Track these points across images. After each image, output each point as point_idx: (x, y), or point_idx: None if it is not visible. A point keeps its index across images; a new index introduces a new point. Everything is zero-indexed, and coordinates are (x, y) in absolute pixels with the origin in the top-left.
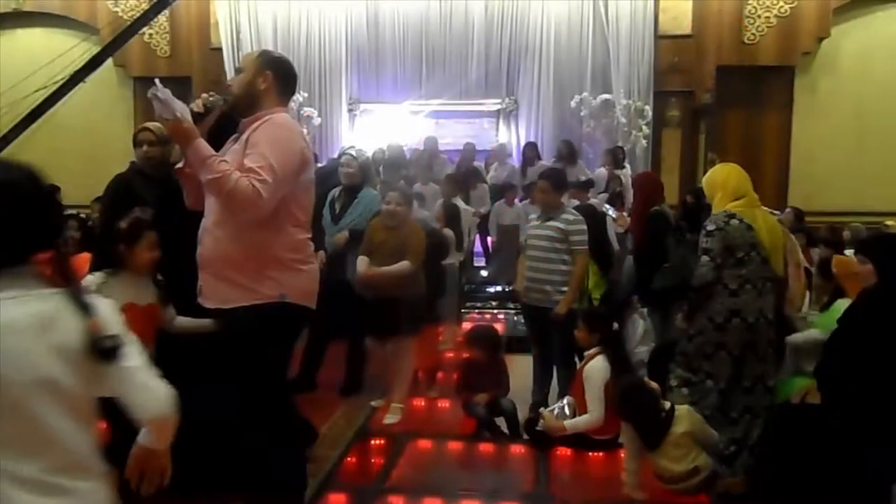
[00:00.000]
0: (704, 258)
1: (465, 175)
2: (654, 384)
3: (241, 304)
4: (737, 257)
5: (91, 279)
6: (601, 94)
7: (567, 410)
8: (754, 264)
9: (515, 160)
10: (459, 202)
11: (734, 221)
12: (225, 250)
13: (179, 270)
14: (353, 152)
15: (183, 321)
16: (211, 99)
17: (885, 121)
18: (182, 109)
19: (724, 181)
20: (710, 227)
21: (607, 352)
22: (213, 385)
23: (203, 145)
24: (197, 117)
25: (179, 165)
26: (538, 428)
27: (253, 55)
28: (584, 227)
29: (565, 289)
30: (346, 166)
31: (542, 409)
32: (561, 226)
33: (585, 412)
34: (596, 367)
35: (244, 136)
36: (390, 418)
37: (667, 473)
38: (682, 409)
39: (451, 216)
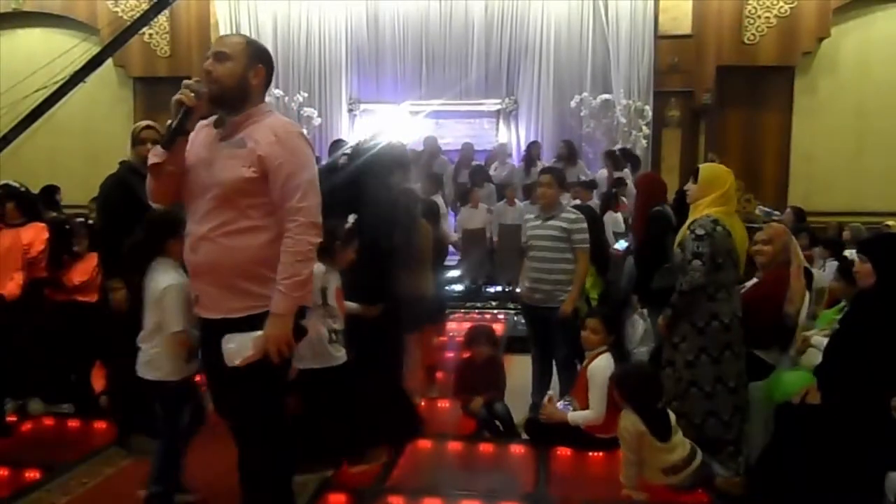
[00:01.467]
0: (696, 262)
1: (473, 174)
2: None
3: (251, 312)
4: (716, 262)
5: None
6: (601, 95)
7: (570, 408)
8: (727, 269)
9: (515, 160)
10: (440, 199)
11: (719, 228)
12: (229, 258)
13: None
14: None
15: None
16: (195, 86)
17: (885, 121)
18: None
19: (724, 184)
20: (700, 232)
21: (612, 351)
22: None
23: (282, 304)
24: (189, 113)
25: (157, 161)
26: (540, 417)
27: (239, 43)
28: (585, 224)
29: (569, 288)
30: None
31: (546, 399)
32: (563, 224)
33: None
34: (600, 366)
35: (240, 136)
36: None
37: (671, 464)
38: None
39: (432, 214)
